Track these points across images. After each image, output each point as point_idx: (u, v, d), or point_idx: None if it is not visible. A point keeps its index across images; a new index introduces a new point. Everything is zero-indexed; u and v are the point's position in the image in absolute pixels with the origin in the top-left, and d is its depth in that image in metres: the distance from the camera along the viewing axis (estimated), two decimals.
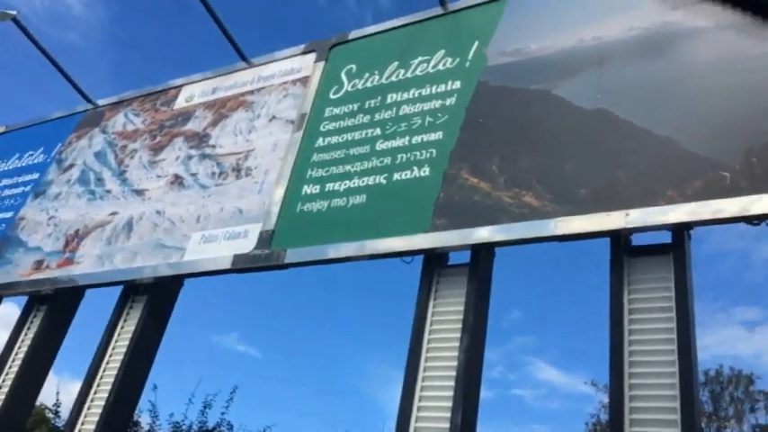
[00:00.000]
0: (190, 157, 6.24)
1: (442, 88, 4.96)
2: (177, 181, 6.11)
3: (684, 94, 3.98)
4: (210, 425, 9.13)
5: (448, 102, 4.85)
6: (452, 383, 3.80)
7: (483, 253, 4.18)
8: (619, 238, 3.77)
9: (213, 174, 5.91)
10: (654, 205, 3.61)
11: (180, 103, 6.91)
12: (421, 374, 3.97)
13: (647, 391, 3.32)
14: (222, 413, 9.22)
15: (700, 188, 3.52)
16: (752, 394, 13.82)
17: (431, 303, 4.21)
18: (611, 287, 3.67)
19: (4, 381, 5.70)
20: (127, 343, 5.30)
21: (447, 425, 3.69)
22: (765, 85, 3.73)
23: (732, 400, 13.88)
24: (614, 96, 4.19)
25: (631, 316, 3.55)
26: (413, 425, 3.83)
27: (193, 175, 6.06)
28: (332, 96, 5.62)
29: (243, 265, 4.98)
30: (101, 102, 7.70)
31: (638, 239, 3.80)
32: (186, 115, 6.71)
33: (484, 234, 4.10)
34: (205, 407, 9.21)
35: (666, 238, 3.67)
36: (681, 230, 3.61)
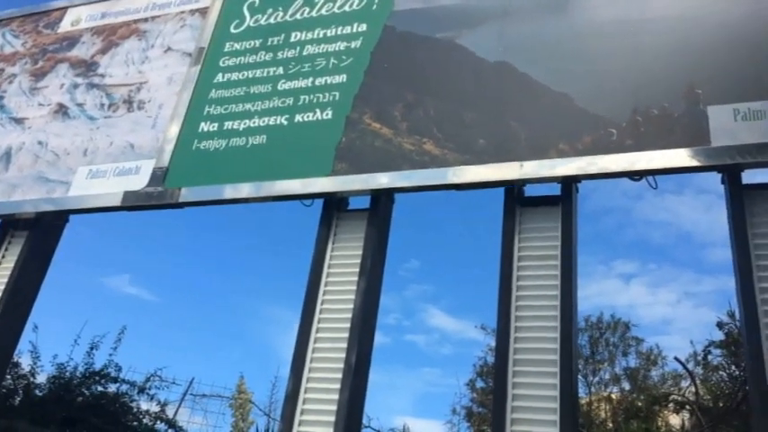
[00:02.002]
0: (76, 86, 5.85)
1: (347, 30, 4.88)
2: (61, 110, 5.72)
3: (580, 52, 4.14)
4: (97, 367, 8.82)
5: (353, 44, 4.79)
6: (348, 326, 3.88)
7: (383, 199, 4.23)
8: (512, 189, 3.93)
9: (102, 105, 5.58)
10: (546, 158, 3.77)
11: (65, 26, 6.40)
12: (317, 316, 4.01)
13: (531, 333, 3.54)
14: (110, 354, 8.91)
15: (589, 143, 3.71)
16: (626, 340, 14.98)
17: (329, 247, 4.23)
18: (503, 235, 3.84)
19: None
20: (5, 281, 4.98)
21: (341, 365, 3.78)
22: (654, 48, 3.94)
23: (608, 345, 14.99)
24: (516, 50, 4.28)
25: (520, 263, 3.74)
26: (307, 366, 3.88)
27: (80, 105, 5.69)
28: (233, 30, 5.39)
29: (134, 203, 4.78)
30: None
31: (530, 190, 3.98)
32: (72, 40, 6.24)
33: (384, 180, 4.15)
34: (92, 348, 8.86)
35: (556, 190, 3.86)
36: (570, 183, 3.80)
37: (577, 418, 3.43)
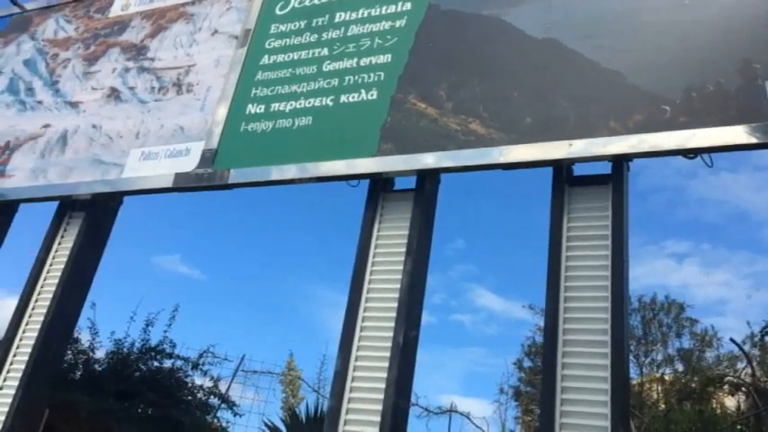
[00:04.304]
0: (127, 70, 5.97)
1: (392, 9, 4.84)
2: (114, 94, 5.86)
3: (632, 28, 4.00)
4: (153, 343, 9.11)
5: (398, 24, 4.75)
6: (395, 305, 3.89)
7: (429, 179, 4.21)
8: (561, 168, 3.85)
9: (152, 88, 5.69)
10: (596, 136, 3.69)
11: (115, 10, 6.54)
12: (364, 296, 4.04)
13: (581, 314, 3.48)
14: (165, 331, 9.19)
15: (641, 121, 3.61)
16: (680, 321, 14.63)
17: (376, 227, 4.24)
18: (551, 215, 3.78)
19: None
20: (65, 260, 5.17)
21: (389, 344, 3.81)
22: (709, 22, 3.79)
23: (660, 325, 14.67)
24: (564, 26, 4.17)
25: (569, 243, 3.68)
26: (356, 344, 3.92)
27: (131, 88, 5.81)
28: (278, 12, 5.41)
29: (185, 184, 4.88)
30: (28, 5, 7.21)
31: (579, 169, 3.89)
32: (122, 24, 6.37)
33: (430, 160, 4.13)
34: (147, 325, 9.14)
35: (606, 168, 3.77)
36: (620, 162, 3.71)
37: (629, 399, 3.39)
